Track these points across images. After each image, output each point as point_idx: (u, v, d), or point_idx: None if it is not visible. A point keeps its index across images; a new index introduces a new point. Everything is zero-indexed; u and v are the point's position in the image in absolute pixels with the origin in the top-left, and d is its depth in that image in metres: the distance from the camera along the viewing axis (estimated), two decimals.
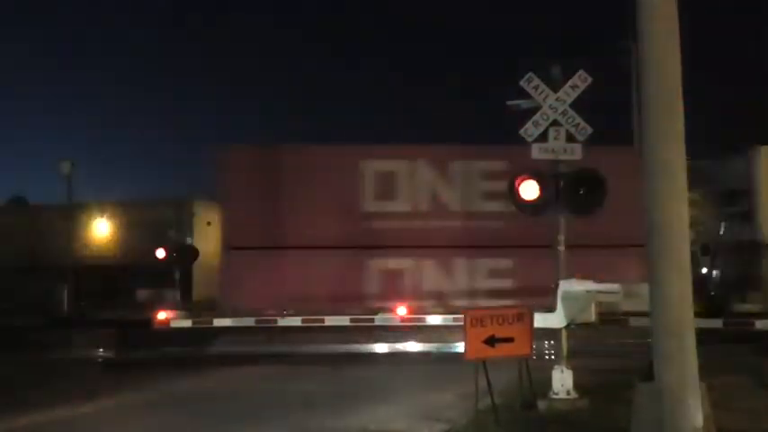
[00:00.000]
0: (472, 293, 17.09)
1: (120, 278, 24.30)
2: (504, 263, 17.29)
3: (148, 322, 17.35)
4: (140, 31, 79.92)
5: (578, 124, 11.07)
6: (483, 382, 9.10)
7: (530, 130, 11.19)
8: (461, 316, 9.37)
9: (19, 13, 78.32)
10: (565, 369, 10.38)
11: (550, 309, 10.73)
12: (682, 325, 5.94)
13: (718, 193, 18.83)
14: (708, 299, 17.94)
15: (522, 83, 11.21)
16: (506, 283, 17.03)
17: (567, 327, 10.58)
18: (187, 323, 17.51)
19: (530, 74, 11.21)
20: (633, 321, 16.64)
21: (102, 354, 18.86)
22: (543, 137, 11.15)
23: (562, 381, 10.34)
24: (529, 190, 10.98)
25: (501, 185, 12.83)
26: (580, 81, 11.15)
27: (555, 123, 11.10)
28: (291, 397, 12.30)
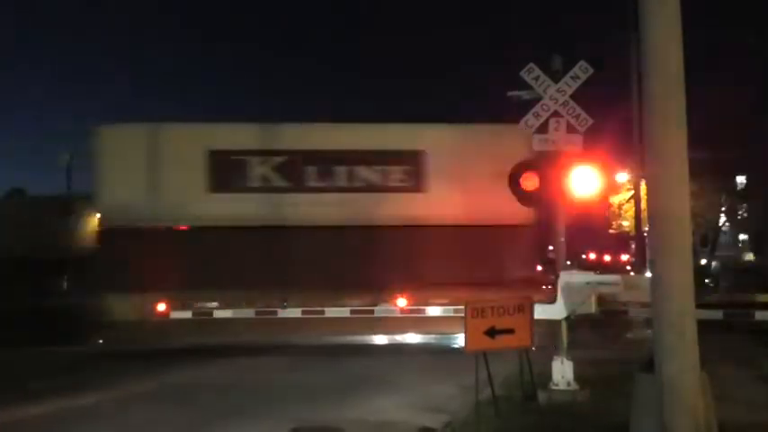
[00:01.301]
0: None
1: None
2: None
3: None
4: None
5: (579, 115, 11.03)
6: (483, 374, 9.10)
7: (530, 120, 11.15)
8: (462, 307, 9.36)
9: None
10: (565, 360, 10.36)
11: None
12: (683, 316, 5.91)
13: None
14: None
15: (522, 73, 11.17)
16: None
17: (568, 318, 10.56)
18: (187, 315, 17.53)
19: (530, 64, 11.16)
20: (633, 312, 16.70)
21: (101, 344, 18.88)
22: (544, 128, 11.11)
23: (562, 372, 10.33)
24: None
25: None
26: (581, 72, 11.11)
27: (555, 114, 11.07)
28: (292, 388, 12.31)
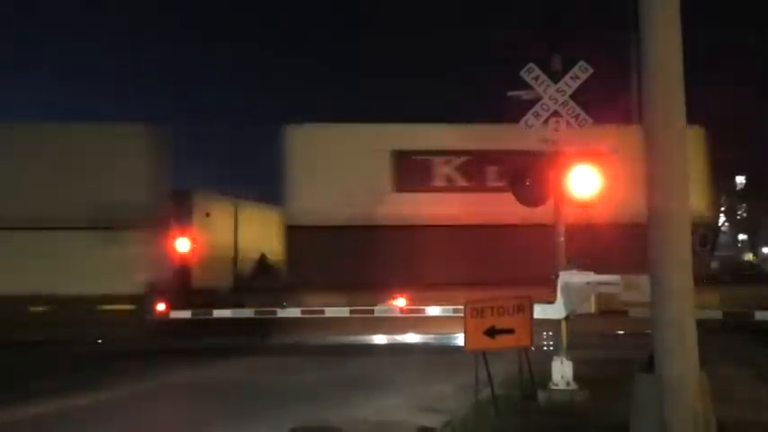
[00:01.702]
0: None
1: None
2: None
3: None
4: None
5: (578, 115, 11.04)
6: (483, 373, 9.11)
7: (530, 120, 11.17)
8: (461, 307, 9.37)
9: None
10: (565, 360, 10.36)
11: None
12: (682, 316, 5.92)
13: None
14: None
15: (522, 73, 11.18)
16: None
17: (567, 318, 10.56)
18: (186, 314, 17.56)
19: (530, 64, 11.17)
20: (633, 312, 16.69)
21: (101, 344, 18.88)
22: (543, 127, 11.13)
23: (562, 372, 10.32)
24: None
25: None
26: (580, 72, 11.11)
27: (555, 114, 11.08)
28: (292, 388, 12.31)
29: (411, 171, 18.49)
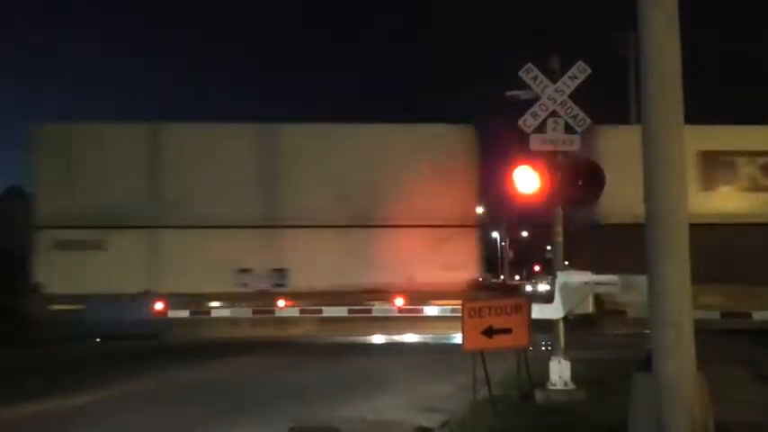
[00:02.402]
0: None
1: None
2: None
3: None
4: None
5: (577, 115, 11.02)
6: (481, 373, 9.11)
7: (528, 121, 11.14)
8: (459, 307, 9.38)
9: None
10: (562, 360, 10.36)
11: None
12: (680, 316, 5.91)
13: None
14: None
15: (520, 73, 11.16)
16: None
17: (565, 318, 10.56)
18: (184, 314, 17.59)
19: (529, 64, 11.15)
20: (631, 312, 16.75)
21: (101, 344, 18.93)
22: (542, 128, 11.11)
23: (560, 372, 10.31)
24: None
25: None
26: (579, 72, 11.09)
27: (554, 114, 11.06)
28: (291, 387, 12.32)
29: (715, 171, 19.61)
